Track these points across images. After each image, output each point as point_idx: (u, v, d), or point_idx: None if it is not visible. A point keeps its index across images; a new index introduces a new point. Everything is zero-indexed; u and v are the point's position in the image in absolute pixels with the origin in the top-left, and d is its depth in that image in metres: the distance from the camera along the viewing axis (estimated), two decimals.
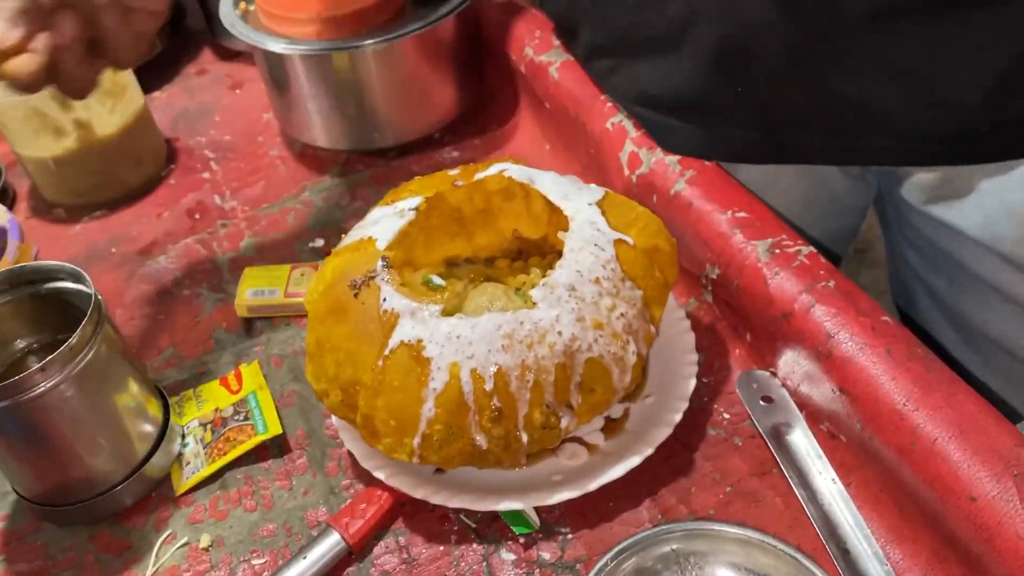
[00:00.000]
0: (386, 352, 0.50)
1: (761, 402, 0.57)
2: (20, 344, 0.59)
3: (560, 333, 0.50)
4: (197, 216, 0.82)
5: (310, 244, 0.76)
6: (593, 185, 0.60)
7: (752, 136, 0.63)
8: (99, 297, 0.54)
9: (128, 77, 0.82)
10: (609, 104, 0.70)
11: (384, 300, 0.52)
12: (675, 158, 0.64)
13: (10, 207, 0.86)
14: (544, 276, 0.57)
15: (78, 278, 0.56)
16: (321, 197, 0.81)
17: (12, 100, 0.76)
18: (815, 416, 0.54)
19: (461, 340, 0.49)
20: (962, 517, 0.44)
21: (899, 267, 0.76)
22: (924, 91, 0.55)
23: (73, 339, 0.51)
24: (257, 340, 0.69)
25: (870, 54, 0.55)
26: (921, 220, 0.66)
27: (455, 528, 0.54)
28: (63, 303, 0.57)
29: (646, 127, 0.67)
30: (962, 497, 0.44)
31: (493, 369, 0.49)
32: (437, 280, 0.57)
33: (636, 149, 0.67)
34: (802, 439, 0.54)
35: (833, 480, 0.52)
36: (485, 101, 0.88)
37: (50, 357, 0.51)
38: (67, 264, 0.56)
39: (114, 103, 0.81)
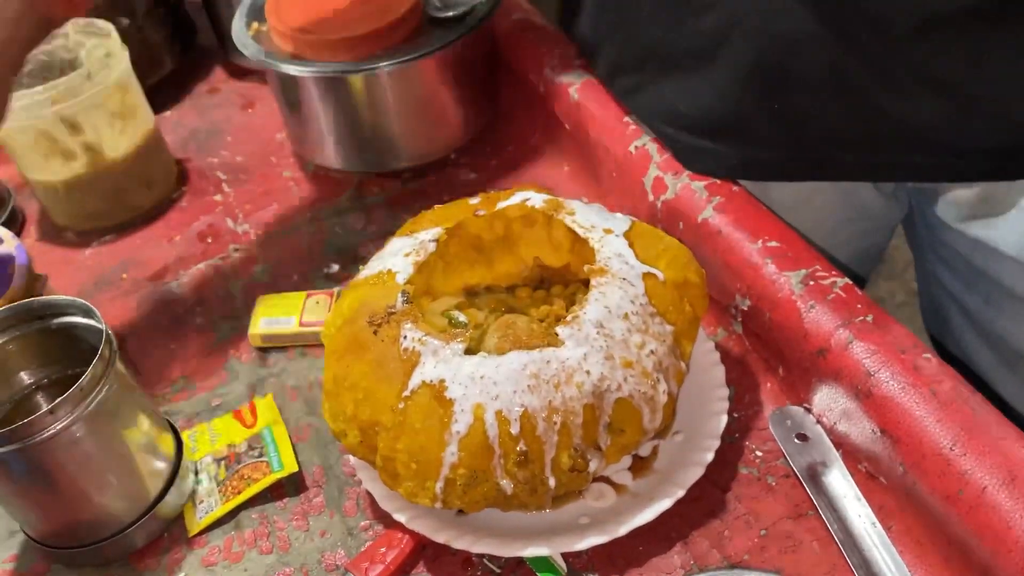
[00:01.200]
0: (407, 392, 0.49)
1: (795, 440, 0.55)
2: (28, 380, 0.58)
3: (588, 372, 0.48)
4: (209, 240, 0.80)
5: (325, 270, 0.75)
6: (619, 214, 0.58)
7: (786, 154, 0.61)
8: (109, 333, 0.53)
9: (139, 98, 0.81)
10: (632, 126, 0.69)
11: (405, 338, 0.50)
12: (702, 183, 0.62)
13: (19, 231, 0.84)
14: (567, 306, 0.56)
15: (88, 313, 0.55)
16: (335, 221, 0.80)
17: (21, 124, 0.75)
18: (853, 455, 0.52)
19: (486, 380, 0.48)
20: (1015, 570, 0.42)
21: (931, 288, 0.74)
22: (968, 105, 0.53)
23: (84, 380, 0.50)
24: (271, 371, 0.67)
25: (914, 68, 0.53)
26: (956, 238, 0.65)
27: (479, 573, 0.52)
28: (72, 338, 0.56)
29: (672, 148, 0.66)
30: (1015, 549, 0.42)
31: (519, 411, 0.47)
32: (460, 316, 0.55)
33: (661, 174, 0.65)
34: (840, 480, 0.52)
35: (873, 523, 0.50)
36: (502, 122, 0.86)
37: (60, 398, 0.49)
38: (77, 299, 0.55)
39: (124, 124, 0.79)
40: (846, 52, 0.54)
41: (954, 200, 0.62)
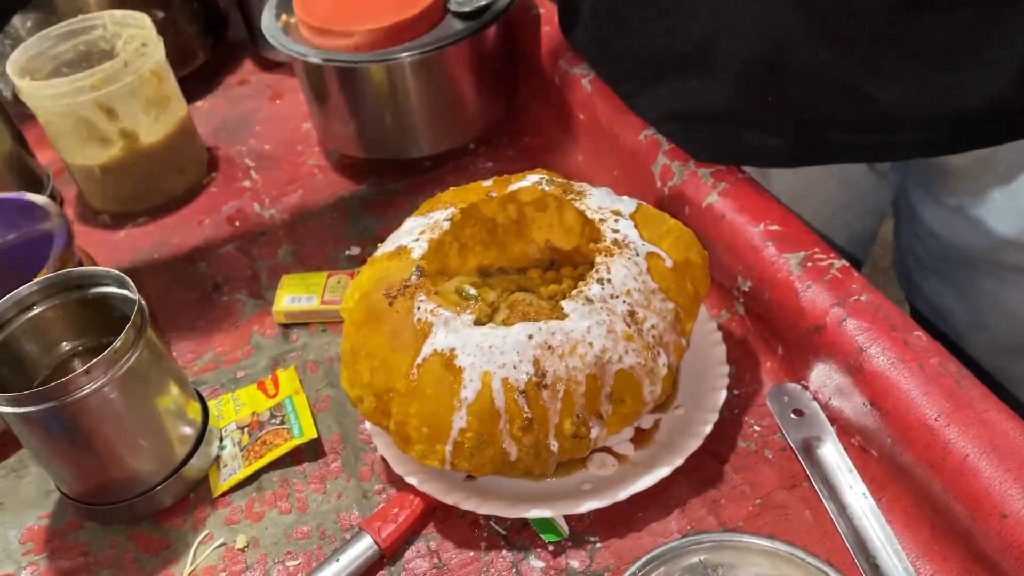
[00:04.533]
0: (419, 360, 0.51)
1: (792, 415, 0.57)
2: (66, 347, 0.61)
3: (591, 344, 0.51)
4: (237, 224, 0.83)
5: (346, 252, 0.78)
6: (626, 197, 0.60)
7: (786, 141, 0.63)
8: (142, 302, 0.56)
9: (173, 87, 0.85)
10: None
11: (418, 309, 0.53)
12: (707, 170, 0.65)
13: None
14: (575, 286, 0.58)
15: (122, 283, 0.58)
16: (357, 206, 0.83)
17: (60, 110, 0.78)
18: (846, 430, 0.54)
19: (493, 350, 0.50)
20: (993, 534, 0.44)
21: (908, 262, 0.77)
22: (953, 76, 0.55)
23: (117, 343, 0.53)
24: (294, 346, 0.70)
25: (895, 50, 0.55)
26: (935, 216, 0.68)
27: (485, 534, 0.55)
28: (108, 307, 0.59)
29: (677, 141, 0.68)
30: (993, 514, 0.44)
31: (524, 379, 0.50)
32: (470, 290, 0.58)
33: (668, 162, 0.67)
34: (833, 453, 0.54)
35: (864, 495, 0.52)
36: (519, 112, 0.89)
37: (94, 360, 0.52)
38: (112, 270, 0.58)
39: (158, 112, 0.83)
40: (829, 43, 0.55)
41: (949, 171, 0.65)
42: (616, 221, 0.57)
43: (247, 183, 0.88)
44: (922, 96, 0.56)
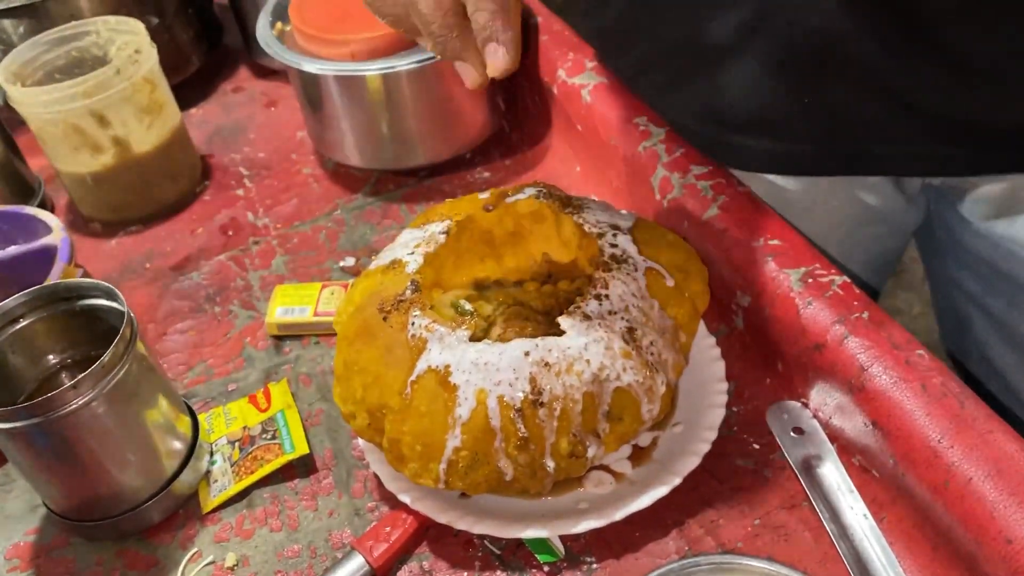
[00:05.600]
0: (413, 377, 0.50)
1: (792, 433, 0.56)
2: (53, 360, 0.60)
3: (588, 362, 0.50)
4: (230, 233, 0.82)
5: (340, 263, 0.77)
6: (625, 211, 0.59)
7: (819, 148, 0.60)
8: (131, 315, 0.55)
9: (166, 94, 0.84)
10: (641, 128, 0.70)
11: (412, 324, 0.52)
12: (707, 183, 0.64)
13: None
14: (573, 300, 0.57)
15: (111, 296, 0.57)
16: (352, 216, 0.82)
17: (52, 117, 0.77)
18: (847, 449, 0.54)
19: (489, 367, 0.49)
20: (998, 559, 0.43)
21: (951, 294, 0.73)
22: (1006, 92, 0.52)
23: (105, 357, 0.52)
24: (286, 358, 0.69)
25: (950, 57, 0.52)
26: (978, 240, 0.64)
27: (479, 554, 0.54)
28: (96, 320, 0.58)
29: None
30: (998, 539, 0.43)
31: (520, 397, 0.49)
32: (466, 305, 0.57)
33: (668, 174, 0.66)
34: (833, 472, 0.53)
35: (865, 515, 0.51)
36: (516, 122, 0.88)
37: (82, 375, 0.51)
38: (101, 282, 0.57)
39: (151, 119, 0.82)
40: (877, 44, 0.53)
41: (980, 197, 0.62)
42: (615, 236, 0.56)
43: (240, 191, 0.87)
44: (975, 107, 0.53)
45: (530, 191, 0.60)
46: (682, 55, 0.65)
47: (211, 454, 0.62)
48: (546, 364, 0.49)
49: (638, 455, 0.56)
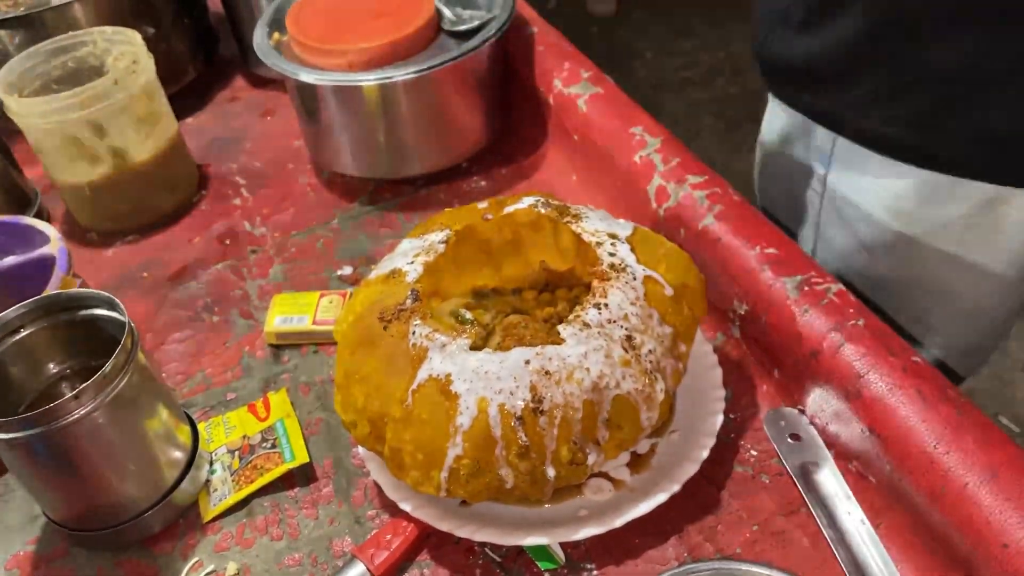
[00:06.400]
0: (414, 386, 0.51)
1: (789, 440, 0.56)
2: (53, 369, 0.60)
3: (588, 370, 0.50)
4: (227, 242, 0.83)
5: (338, 272, 0.77)
6: (622, 220, 0.60)
7: None
8: (132, 325, 0.55)
9: (162, 104, 0.84)
10: (637, 137, 0.71)
11: (413, 333, 0.52)
12: (703, 192, 0.64)
13: None
14: (570, 308, 0.58)
15: (112, 306, 0.57)
16: (350, 225, 0.82)
17: (49, 127, 0.77)
18: (844, 455, 0.54)
19: (489, 375, 0.50)
20: (994, 564, 0.43)
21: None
22: None
23: (107, 367, 0.52)
24: (285, 367, 0.69)
25: None
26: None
27: (480, 562, 0.54)
28: (96, 330, 0.58)
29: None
30: (994, 543, 0.43)
31: (521, 405, 0.49)
32: (466, 314, 0.57)
33: (664, 183, 0.67)
34: (830, 478, 0.54)
35: (862, 521, 0.52)
36: (513, 132, 0.89)
37: (83, 385, 0.51)
38: (101, 292, 0.57)
39: (148, 130, 0.82)
40: None
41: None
42: (613, 244, 0.56)
43: (238, 201, 0.87)
44: None
45: (528, 200, 0.61)
46: (959, 80, 0.60)
47: (211, 463, 0.62)
48: (546, 372, 0.50)
49: (637, 462, 0.56)
